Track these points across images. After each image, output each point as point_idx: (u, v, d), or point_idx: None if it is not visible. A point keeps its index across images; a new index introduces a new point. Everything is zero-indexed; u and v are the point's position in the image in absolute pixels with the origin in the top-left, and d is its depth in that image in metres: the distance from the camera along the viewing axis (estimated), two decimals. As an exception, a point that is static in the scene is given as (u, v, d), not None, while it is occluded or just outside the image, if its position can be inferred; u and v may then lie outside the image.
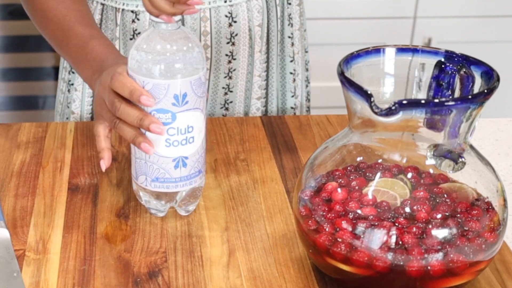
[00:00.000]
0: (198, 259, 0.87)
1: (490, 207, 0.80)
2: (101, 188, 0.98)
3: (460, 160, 0.80)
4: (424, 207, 0.78)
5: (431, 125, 0.78)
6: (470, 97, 0.76)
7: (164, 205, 0.92)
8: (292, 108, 1.29)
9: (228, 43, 1.18)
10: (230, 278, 0.84)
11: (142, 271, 0.85)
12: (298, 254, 0.88)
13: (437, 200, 0.79)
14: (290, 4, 1.24)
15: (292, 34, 1.25)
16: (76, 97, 1.23)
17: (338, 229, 0.77)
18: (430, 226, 0.76)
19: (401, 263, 0.75)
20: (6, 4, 2.27)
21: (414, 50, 0.85)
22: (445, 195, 0.80)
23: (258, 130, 1.13)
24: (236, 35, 1.18)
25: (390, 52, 0.85)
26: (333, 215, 0.79)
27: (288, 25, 1.24)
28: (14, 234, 0.90)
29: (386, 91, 0.86)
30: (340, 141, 0.84)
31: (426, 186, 0.81)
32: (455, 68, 0.82)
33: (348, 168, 0.83)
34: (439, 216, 0.77)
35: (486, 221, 0.78)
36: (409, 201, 0.79)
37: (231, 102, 1.22)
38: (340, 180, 0.82)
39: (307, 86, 1.34)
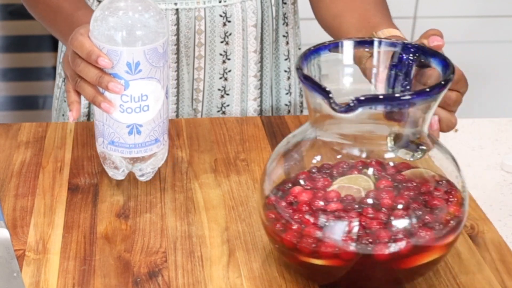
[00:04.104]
0: (198, 259, 0.87)
1: (452, 186, 0.81)
2: (101, 188, 0.98)
3: (420, 148, 0.81)
4: (388, 194, 0.78)
5: (390, 117, 0.78)
6: (428, 90, 0.77)
7: (121, 169, 0.94)
8: (286, 105, 1.29)
9: (222, 42, 1.18)
10: (230, 278, 0.84)
11: (142, 271, 0.85)
12: (298, 254, 0.88)
13: (401, 186, 0.80)
14: (285, 3, 1.24)
15: (287, 33, 1.26)
16: None
17: (305, 226, 0.78)
18: (395, 210, 0.77)
19: (370, 248, 0.76)
20: (6, 4, 2.27)
21: (371, 43, 0.86)
22: (408, 181, 0.81)
23: (258, 130, 1.13)
24: (230, 34, 1.18)
25: (348, 45, 0.85)
26: (300, 214, 0.79)
27: (283, 24, 1.25)
28: (14, 234, 0.90)
29: (347, 83, 0.87)
30: (301, 137, 0.84)
31: (389, 176, 0.81)
32: (412, 58, 0.83)
33: (312, 169, 0.83)
34: (403, 199, 0.78)
35: (449, 199, 0.80)
36: (373, 191, 0.79)
37: (228, 105, 1.23)
38: (305, 181, 0.82)
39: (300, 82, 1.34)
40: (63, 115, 1.27)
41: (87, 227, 0.91)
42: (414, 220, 0.77)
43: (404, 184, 0.80)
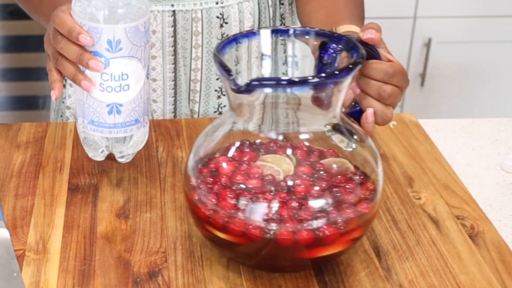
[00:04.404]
0: (198, 259, 0.87)
1: (365, 179, 0.83)
2: (101, 188, 0.98)
3: (354, 138, 0.84)
4: (301, 181, 0.80)
5: (315, 102, 0.81)
6: (332, 74, 0.79)
7: (100, 149, 0.95)
8: None
9: None
10: (230, 278, 0.84)
11: (142, 271, 0.85)
12: (298, 254, 0.88)
13: (317, 175, 0.82)
14: (282, 4, 1.25)
15: None
16: (71, 92, 1.24)
17: (216, 201, 0.80)
18: (304, 198, 0.79)
19: (275, 233, 0.77)
20: (6, 4, 2.27)
21: (285, 31, 0.88)
22: (324, 170, 0.82)
23: (258, 130, 1.13)
24: (227, 35, 1.18)
25: (265, 33, 0.88)
26: (215, 186, 0.81)
27: (280, 25, 1.25)
28: (14, 234, 0.90)
29: (265, 72, 0.90)
30: (221, 122, 0.86)
31: (310, 162, 0.83)
32: (338, 48, 0.85)
33: (237, 145, 0.85)
34: (315, 190, 0.80)
35: (359, 193, 0.81)
36: (290, 177, 0.81)
37: (224, 106, 1.23)
38: (227, 155, 0.85)
39: None
40: (61, 116, 1.27)
41: (87, 227, 0.91)
42: (321, 213, 0.78)
43: (321, 174, 0.82)
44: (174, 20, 1.16)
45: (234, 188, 0.80)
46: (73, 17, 0.89)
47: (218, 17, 1.17)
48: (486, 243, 0.90)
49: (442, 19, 2.33)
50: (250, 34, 0.87)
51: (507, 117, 1.25)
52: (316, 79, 0.77)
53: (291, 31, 0.88)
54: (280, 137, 0.84)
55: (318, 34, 0.87)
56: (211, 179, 0.82)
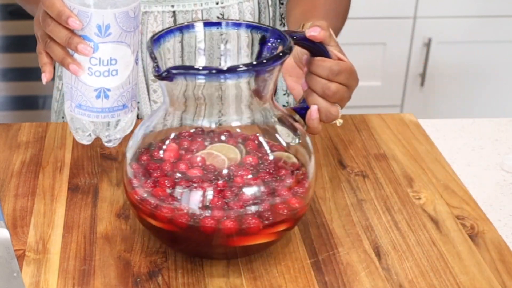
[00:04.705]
0: (198, 259, 0.87)
1: (300, 175, 0.84)
2: (101, 188, 0.98)
3: (297, 134, 0.85)
4: (238, 172, 0.81)
5: (254, 92, 0.82)
6: (251, 64, 0.80)
7: (87, 133, 0.95)
8: (284, 106, 1.29)
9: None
10: (230, 278, 0.84)
11: (142, 271, 0.85)
12: (298, 254, 0.88)
13: (257, 167, 0.83)
14: (282, 4, 1.24)
15: None
16: None
17: (149, 187, 0.81)
18: (235, 189, 0.80)
19: (199, 220, 0.79)
20: (6, 4, 2.27)
21: (219, 24, 0.90)
22: (267, 163, 0.83)
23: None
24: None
25: (199, 26, 0.89)
26: (150, 171, 0.83)
27: (280, 25, 1.25)
28: (14, 234, 0.90)
29: (200, 65, 0.91)
30: (164, 114, 0.87)
31: (256, 154, 0.84)
32: (275, 41, 0.86)
33: (197, 130, 0.86)
34: (246, 180, 0.81)
35: (292, 187, 0.83)
36: (231, 166, 0.82)
37: None
38: (166, 142, 0.86)
39: None
40: (62, 117, 1.27)
41: (87, 227, 0.91)
42: (248, 204, 0.80)
43: (261, 166, 0.83)
44: (175, 21, 1.16)
45: (166, 174, 0.82)
46: (63, 0, 0.88)
47: (218, 18, 1.17)
48: (486, 243, 0.90)
49: (442, 19, 2.33)
50: (184, 27, 0.88)
51: (507, 117, 1.25)
52: (239, 69, 0.78)
53: (223, 24, 0.89)
54: (215, 126, 0.84)
55: (249, 26, 0.88)
56: (147, 165, 0.84)
